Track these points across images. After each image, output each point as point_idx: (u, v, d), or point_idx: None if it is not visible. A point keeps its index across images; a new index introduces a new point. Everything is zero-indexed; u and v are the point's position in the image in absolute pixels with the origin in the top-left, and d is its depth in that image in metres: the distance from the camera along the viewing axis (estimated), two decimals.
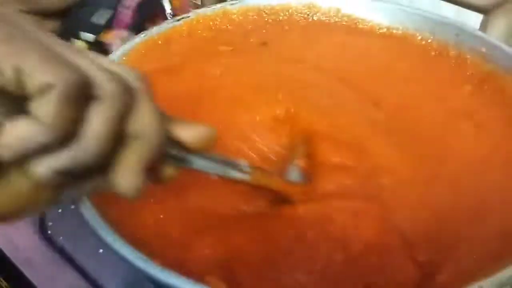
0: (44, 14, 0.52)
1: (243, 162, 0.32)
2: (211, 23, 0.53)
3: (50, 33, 0.24)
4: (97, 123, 0.22)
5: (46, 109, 0.21)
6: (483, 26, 0.55)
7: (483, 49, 0.47)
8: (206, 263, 0.31)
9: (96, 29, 0.56)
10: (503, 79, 0.44)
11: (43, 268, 0.45)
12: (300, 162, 0.38)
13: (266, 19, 0.55)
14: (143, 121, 0.24)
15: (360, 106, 0.43)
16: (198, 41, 0.52)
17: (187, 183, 0.37)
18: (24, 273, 0.44)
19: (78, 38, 0.55)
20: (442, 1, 0.55)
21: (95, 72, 0.23)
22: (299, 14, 0.56)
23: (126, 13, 0.56)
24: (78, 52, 0.24)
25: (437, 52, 0.50)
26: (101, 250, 0.45)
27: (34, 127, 0.21)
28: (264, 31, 0.54)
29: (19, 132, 0.21)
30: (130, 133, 0.24)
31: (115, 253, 0.29)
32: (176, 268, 0.28)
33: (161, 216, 0.34)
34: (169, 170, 0.28)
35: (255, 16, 0.55)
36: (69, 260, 0.45)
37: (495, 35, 0.52)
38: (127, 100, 0.24)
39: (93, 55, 0.25)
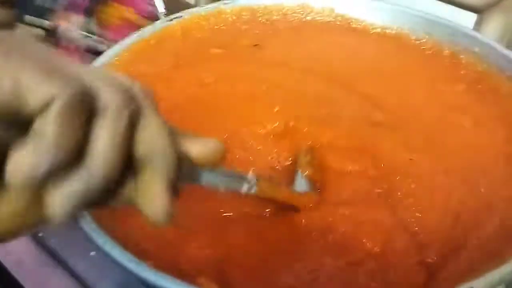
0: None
1: (250, 175, 0.31)
2: (204, 23, 0.53)
3: (48, 47, 0.23)
4: (104, 138, 0.21)
5: (50, 123, 0.19)
6: (477, 26, 0.55)
7: (477, 49, 0.47)
8: (199, 264, 0.31)
9: (47, 14, 0.54)
10: (497, 78, 0.45)
11: (35, 271, 0.44)
12: (306, 171, 0.37)
13: (259, 19, 0.55)
14: (156, 139, 0.22)
15: (359, 109, 0.43)
16: (191, 42, 0.51)
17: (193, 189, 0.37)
18: (15, 276, 0.44)
19: (31, 24, 0.54)
20: (436, 1, 0.55)
21: (98, 83, 0.21)
22: (292, 14, 0.55)
23: None
24: (78, 65, 0.22)
25: (431, 52, 0.50)
26: (93, 253, 0.44)
27: (40, 146, 0.19)
28: (257, 31, 0.53)
29: (25, 158, 0.19)
30: (142, 153, 0.22)
31: (107, 255, 0.29)
32: (169, 269, 0.27)
33: None
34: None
35: (248, 16, 0.55)
36: (61, 262, 0.45)
37: (489, 34, 0.53)
38: (134, 112, 0.22)
39: (94, 67, 0.24)
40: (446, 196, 0.36)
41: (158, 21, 0.51)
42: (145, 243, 0.32)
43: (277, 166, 0.39)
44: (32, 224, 0.22)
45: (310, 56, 0.50)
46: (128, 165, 0.22)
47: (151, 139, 0.22)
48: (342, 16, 0.55)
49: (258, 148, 0.40)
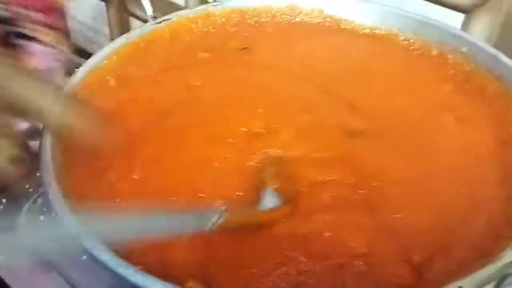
0: None
1: (214, 209, 0.31)
2: (193, 25, 0.53)
3: None
4: None
5: None
6: (465, 26, 0.55)
7: (465, 49, 0.47)
8: (186, 268, 0.31)
9: None
10: (485, 78, 0.45)
11: (25, 275, 0.44)
12: (273, 184, 0.36)
13: (248, 21, 0.55)
14: None
15: (341, 116, 0.43)
16: (180, 45, 0.51)
17: (170, 186, 0.37)
18: (4, 280, 0.43)
19: None
20: (424, 1, 0.55)
21: None
22: (281, 16, 0.56)
23: None
24: None
25: (419, 52, 0.50)
26: (84, 257, 0.44)
27: None
28: (246, 34, 0.53)
29: None
30: None
31: (95, 260, 0.29)
32: (157, 273, 0.27)
33: None
34: None
35: (238, 18, 0.55)
36: (51, 266, 0.44)
37: (476, 34, 0.53)
38: None
39: None
40: (430, 197, 0.36)
41: (147, 24, 0.51)
42: (133, 246, 0.31)
43: (250, 162, 0.39)
44: None
45: (298, 58, 0.50)
46: None
47: None
48: (331, 17, 0.55)
49: (238, 146, 0.40)
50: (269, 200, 0.36)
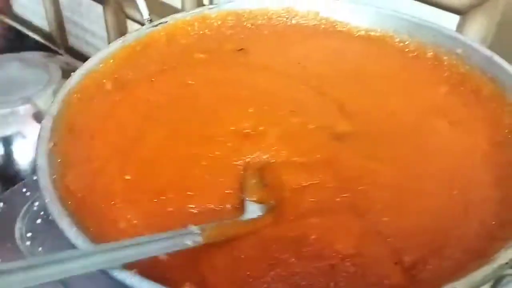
0: None
1: (191, 227, 0.31)
2: (189, 28, 0.53)
3: None
4: None
5: None
6: (460, 28, 0.55)
7: (460, 50, 0.47)
8: (181, 271, 0.31)
9: None
10: (480, 80, 0.45)
11: None
12: (254, 195, 0.36)
13: (244, 24, 0.55)
14: None
15: (330, 118, 0.43)
16: (176, 48, 0.51)
17: (161, 185, 0.37)
18: None
19: None
20: (419, 3, 0.56)
21: None
22: (277, 18, 0.56)
23: None
24: None
25: (415, 54, 0.50)
26: None
27: None
28: (242, 36, 0.54)
29: None
30: None
31: None
32: (152, 276, 0.27)
33: (135, 222, 0.34)
34: None
35: (234, 21, 0.55)
36: None
37: (472, 36, 0.53)
38: None
39: None
40: (422, 199, 0.36)
41: (143, 27, 0.51)
42: None
43: (238, 161, 0.39)
44: None
45: (294, 60, 0.50)
46: None
47: None
48: (327, 19, 0.55)
49: (227, 145, 0.40)
50: (251, 211, 0.36)
